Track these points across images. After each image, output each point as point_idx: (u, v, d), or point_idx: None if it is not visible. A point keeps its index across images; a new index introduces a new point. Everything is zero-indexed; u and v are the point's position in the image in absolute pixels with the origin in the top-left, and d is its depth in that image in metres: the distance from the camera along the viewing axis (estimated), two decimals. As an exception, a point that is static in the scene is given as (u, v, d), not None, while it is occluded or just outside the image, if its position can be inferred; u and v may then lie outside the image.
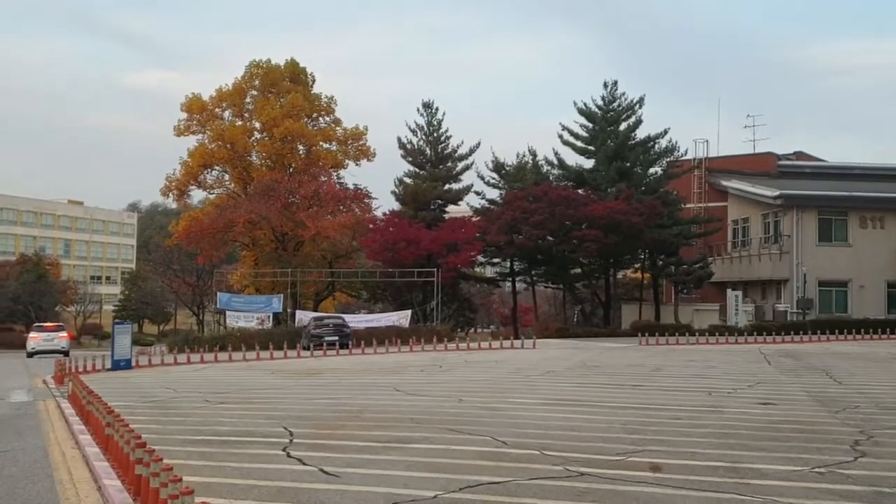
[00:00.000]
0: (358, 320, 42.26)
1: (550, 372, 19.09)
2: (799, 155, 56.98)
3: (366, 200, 51.10)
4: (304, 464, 8.38)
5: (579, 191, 45.31)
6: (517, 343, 30.58)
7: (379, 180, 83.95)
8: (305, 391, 16.00)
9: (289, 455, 8.89)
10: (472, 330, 52.06)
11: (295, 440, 9.86)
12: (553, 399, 13.69)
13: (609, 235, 39.88)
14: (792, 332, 37.22)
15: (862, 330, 38.04)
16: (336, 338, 32.78)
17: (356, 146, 51.92)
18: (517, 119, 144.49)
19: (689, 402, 13.19)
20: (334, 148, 51.89)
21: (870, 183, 49.24)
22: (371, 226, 47.05)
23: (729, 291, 44.09)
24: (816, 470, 7.85)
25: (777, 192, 45.02)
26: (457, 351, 29.10)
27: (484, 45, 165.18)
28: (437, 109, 49.42)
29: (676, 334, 36.42)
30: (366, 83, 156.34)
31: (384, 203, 53.44)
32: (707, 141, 55.18)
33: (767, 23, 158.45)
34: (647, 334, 33.37)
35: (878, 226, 44.67)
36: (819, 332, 37.17)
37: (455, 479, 7.48)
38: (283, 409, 13.02)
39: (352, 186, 51.19)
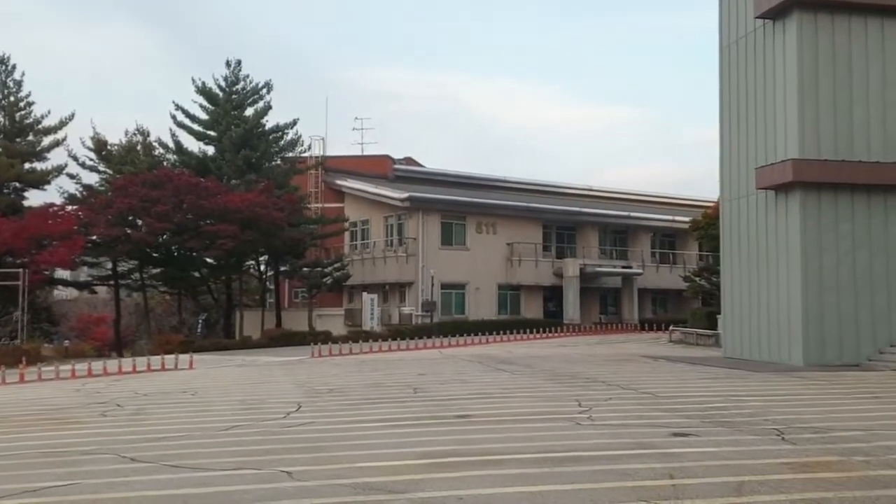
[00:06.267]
0: None
1: (302, 407, 13.93)
2: (408, 160, 57.95)
3: None
4: None
5: (202, 180, 39.10)
6: (168, 363, 23.82)
7: None
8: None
9: None
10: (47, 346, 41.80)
11: None
12: (433, 454, 9.03)
13: (247, 231, 34.75)
14: (425, 336, 36.69)
15: (486, 332, 38.97)
16: None
17: None
18: (113, 109, 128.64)
19: (602, 440, 9.75)
20: None
21: (477, 191, 51.69)
22: (-89, 212, 34.75)
23: (365, 295, 42.13)
24: None
25: (406, 195, 44.48)
26: (90, 377, 21.43)
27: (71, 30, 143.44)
28: (14, 67, 38.74)
29: (319, 342, 33.02)
30: None
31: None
32: (323, 139, 52.98)
33: (331, 42, 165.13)
34: (319, 344, 29.50)
35: (491, 231, 46.85)
36: (445, 334, 37.68)
37: None
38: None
39: None
